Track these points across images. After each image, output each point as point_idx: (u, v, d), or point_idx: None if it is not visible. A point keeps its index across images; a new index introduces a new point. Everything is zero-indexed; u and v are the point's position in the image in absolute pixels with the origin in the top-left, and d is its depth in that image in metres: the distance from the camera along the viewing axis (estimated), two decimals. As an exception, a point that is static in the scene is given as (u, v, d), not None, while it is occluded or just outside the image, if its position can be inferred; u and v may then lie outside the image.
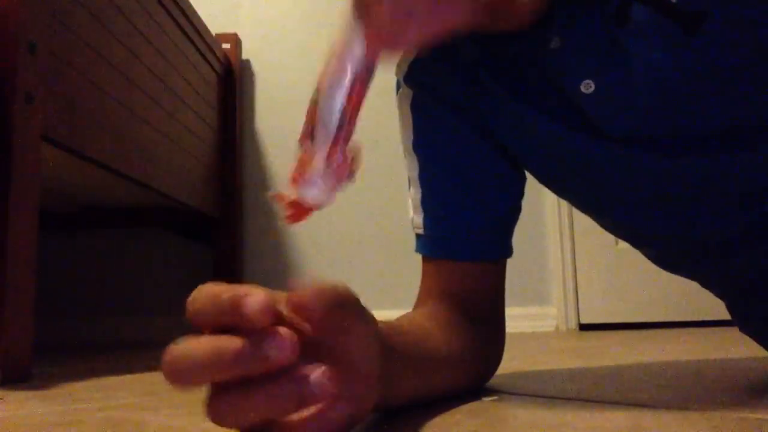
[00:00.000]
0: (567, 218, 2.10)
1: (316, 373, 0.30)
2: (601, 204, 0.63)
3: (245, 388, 0.30)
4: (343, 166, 0.20)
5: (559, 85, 0.55)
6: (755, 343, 0.72)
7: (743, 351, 1.02)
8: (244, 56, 2.27)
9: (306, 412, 0.31)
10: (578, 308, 2.09)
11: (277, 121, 2.26)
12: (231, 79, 2.13)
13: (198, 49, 1.80)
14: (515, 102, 0.59)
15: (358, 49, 0.21)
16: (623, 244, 0.69)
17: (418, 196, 0.66)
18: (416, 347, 0.49)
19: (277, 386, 0.30)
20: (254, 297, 0.29)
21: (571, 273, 2.09)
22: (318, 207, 0.21)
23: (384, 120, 2.24)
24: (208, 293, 0.31)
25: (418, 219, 0.66)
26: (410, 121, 0.66)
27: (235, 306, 0.29)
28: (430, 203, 0.65)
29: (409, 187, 0.68)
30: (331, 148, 0.20)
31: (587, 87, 0.52)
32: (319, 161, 0.21)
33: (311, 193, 0.21)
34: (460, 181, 0.64)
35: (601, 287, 2.08)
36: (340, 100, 0.20)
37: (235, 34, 2.21)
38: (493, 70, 0.59)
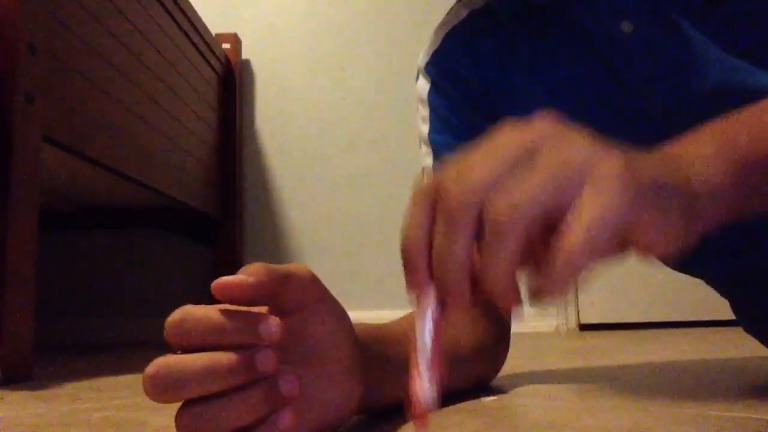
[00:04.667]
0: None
1: (286, 375, 0.31)
2: None
3: (217, 397, 0.30)
4: (438, 376, 0.29)
5: (594, 30, 0.56)
6: (756, 343, 0.72)
7: (744, 351, 1.02)
8: (244, 56, 2.26)
9: (279, 418, 0.31)
10: (578, 308, 2.09)
11: (277, 121, 2.26)
12: (231, 79, 2.13)
13: (198, 49, 1.80)
14: (539, 68, 0.60)
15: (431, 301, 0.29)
16: (623, 244, 0.69)
17: None
18: (400, 347, 0.49)
19: (250, 391, 0.30)
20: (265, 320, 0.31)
21: (571, 273, 2.09)
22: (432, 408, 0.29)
23: (384, 120, 2.25)
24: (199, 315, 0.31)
25: None
26: (427, 110, 0.68)
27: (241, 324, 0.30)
28: None
29: (423, 178, 0.69)
30: (431, 369, 0.29)
31: (627, 27, 0.54)
32: (425, 383, 0.29)
33: (428, 400, 0.29)
34: None
35: (601, 287, 2.08)
36: (428, 336, 0.29)
37: (235, 34, 2.21)
38: (523, 26, 0.61)
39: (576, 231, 0.26)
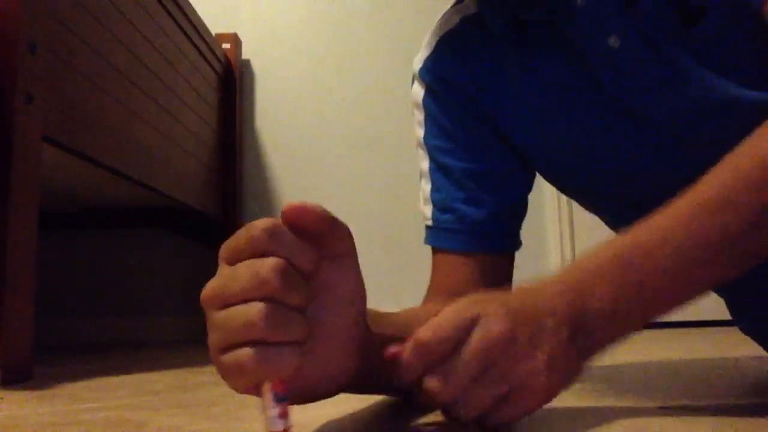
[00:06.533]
0: (567, 218, 2.10)
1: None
2: (603, 194, 0.64)
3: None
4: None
5: (583, 44, 0.56)
6: (755, 343, 0.72)
7: (743, 351, 1.02)
8: (244, 56, 2.27)
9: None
10: (578, 308, 2.09)
11: (277, 121, 2.26)
12: (231, 79, 2.13)
13: (198, 49, 1.80)
14: (529, 77, 0.61)
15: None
16: (623, 244, 0.70)
17: (428, 188, 0.68)
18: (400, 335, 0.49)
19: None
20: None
21: (571, 273, 2.09)
22: None
23: (384, 120, 2.25)
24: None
25: (427, 211, 0.68)
26: (422, 115, 0.69)
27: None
28: (437, 195, 0.67)
29: (420, 180, 0.70)
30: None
31: (615, 42, 0.54)
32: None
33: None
34: (467, 174, 0.66)
35: (601, 287, 2.08)
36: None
37: (235, 34, 2.21)
38: (514, 41, 0.62)
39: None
